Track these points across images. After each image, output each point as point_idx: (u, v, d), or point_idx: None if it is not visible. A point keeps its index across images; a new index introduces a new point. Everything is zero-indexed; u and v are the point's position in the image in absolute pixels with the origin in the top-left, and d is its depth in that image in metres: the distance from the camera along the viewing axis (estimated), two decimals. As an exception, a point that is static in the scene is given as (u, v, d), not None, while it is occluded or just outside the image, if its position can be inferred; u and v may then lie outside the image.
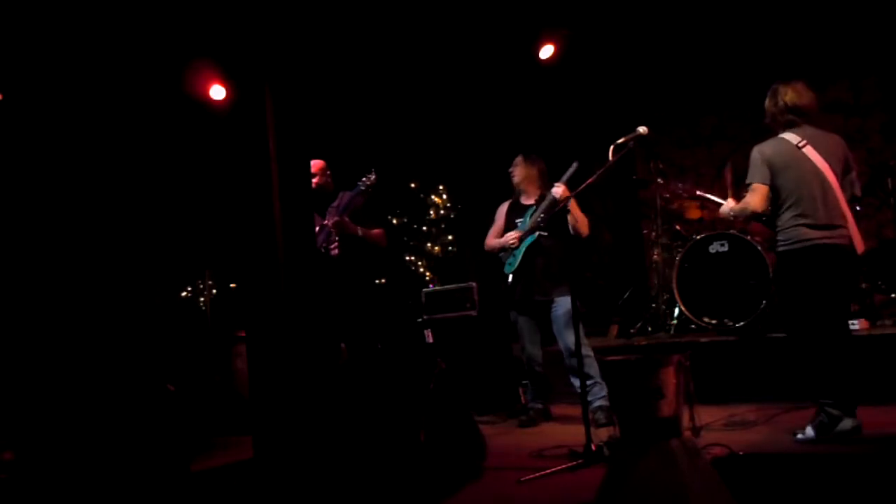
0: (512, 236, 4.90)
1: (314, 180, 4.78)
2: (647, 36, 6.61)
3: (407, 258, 8.18)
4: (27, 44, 4.98)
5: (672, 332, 6.00)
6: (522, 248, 4.84)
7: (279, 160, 3.45)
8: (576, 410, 4.23)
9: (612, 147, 3.87)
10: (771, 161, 3.72)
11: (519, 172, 5.03)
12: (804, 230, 3.66)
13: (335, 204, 4.89)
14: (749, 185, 3.78)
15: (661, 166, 6.42)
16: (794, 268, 3.72)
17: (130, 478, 3.43)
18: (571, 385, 4.69)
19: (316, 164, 4.85)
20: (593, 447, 3.55)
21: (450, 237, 8.21)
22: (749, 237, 5.52)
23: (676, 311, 5.95)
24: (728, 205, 4.06)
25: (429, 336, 5.73)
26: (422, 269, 8.11)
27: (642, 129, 3.89)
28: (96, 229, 5.85)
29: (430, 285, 7.10)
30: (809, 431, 3.64)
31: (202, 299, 7.04)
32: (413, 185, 8.27)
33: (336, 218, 4.76)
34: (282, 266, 3.39)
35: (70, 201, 5.71)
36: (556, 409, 5.03)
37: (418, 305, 6.01)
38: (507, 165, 5.14)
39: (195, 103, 5.95)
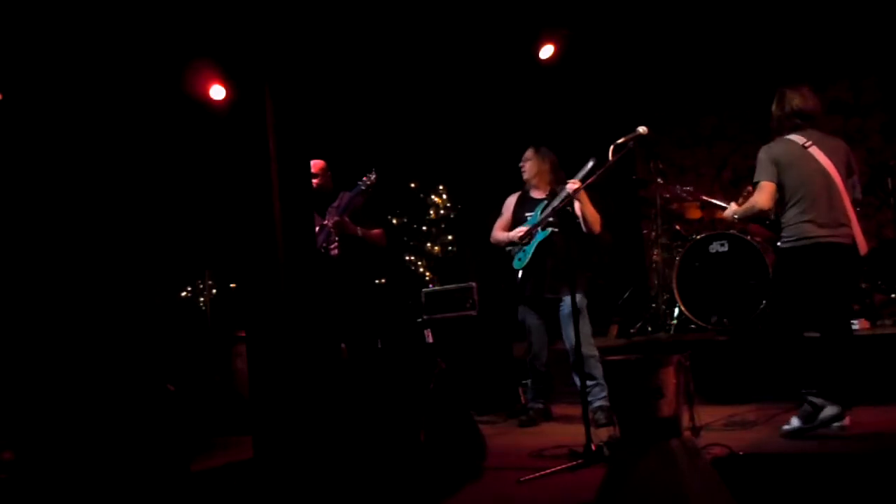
0: (520, 231, 4.84)
1: (314, 180, 4.78)
2: (647, 36, 6.61)
3: (407, 258, 8.18)
4: (27, 44, 4.98)
5: (672, 332, 6.00)
6: (534, 245, 4.76)
7: (279, 160, 3.45)
8: (576, 410, 4.23)
9: (612, 147, 3.87)
10: (777, 160, 3.78)
11: (530, 168, 4.92)
12: (808, 227, 3.71)
13: (335, 204, 4.89)
14: (756, 183, 3.82)
15: (661, 166, 6.41)
16: (796, 264, 3.75)
17: (130, 478, 3.43)
18: (573, 384, 4.68)
19: (316, 164, 4.85)
20: (593, 447, 3.54)
21: (450, 237, 8.21)
22: (749, 237, 5.52)
23: (676, 311, 5.95)
24: (732, 208, 4.12)
25: (429, 336, 5.73)
26: (422, 269, 8.11)
27: (642, 129, 3.89)
28: (96, 229, 5.85)
29: (430, 285, 7.10)
30: (795, 422, 3.70)
31: (202, 299, 7.04)
32: (413, 185, 8.27)
33: (336, 218, 4.76)
34: (282, 266, 3.39)
35: (70, 201, 5.71)
36: (557, 409, 5.03)
37: (418, 305, 6.01)
38: (506, 165, 5.13)
39: (195, 103, 5.96)
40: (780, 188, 3.78)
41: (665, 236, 6.41)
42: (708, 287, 5.65)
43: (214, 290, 6.72)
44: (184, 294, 7.65)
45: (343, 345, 4.77)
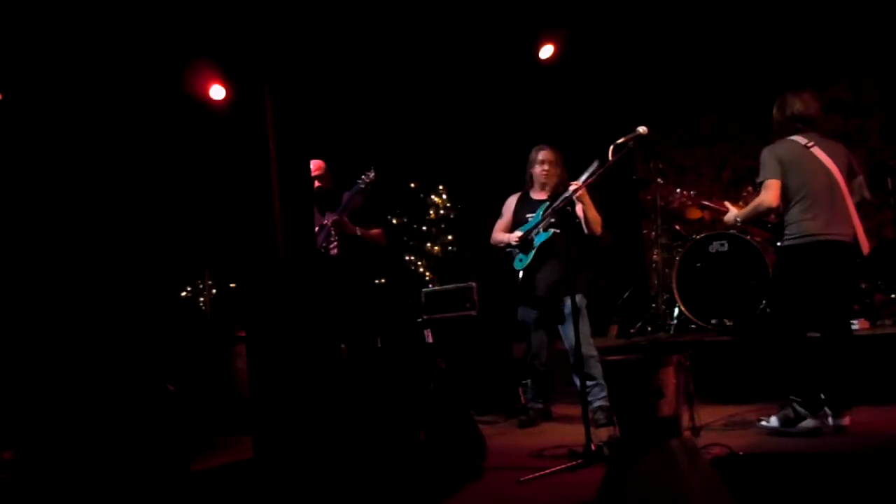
0: (517, 235, 4.83)
1: (314, 181, 4.77)
2: (647, 36, 6.61)
3: (407, 258, 8.18)
4: (27, 44, 4.98)
5: (672, 332, 6.00)
6: (536, 246, 4.76)
7: (279, 160, 3.44)
8: (576, 410, 4.23)
9: (612, 147, 3.87)
10: (781, 159, 3.81)
11: (553, 171, 4.81)
12: (810, 225, 3.74)
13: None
14: (761, 182, 3.84)
15: (661, 166, 6.42)
16: (797, 262, 3.77)
17: (130, 478, 3.43)
18: (573, 384, 4.68)
19: (316, 164, 4.85)
20: (593, 447, 3.54)
21: (450, 237, 8.21)
22: (749, 237, 5.52)
23: (676, 311, 5.95)
24: (733, 212, 4.13)
25: (429, 336, 5.73)
26: (422, 269, 8.11)
27: (642, 129, 3.90)
28: (96, 229, 5.85)
29: (430, 285, 7.10)
30: (774, 421, 3.80)
31: (202, 299, 7.04)
32: (413, 185, 8.27)
33: (335, 217, 4.75)
34: (282, 266, 3.39)
35: (70, 201, 5.71)
36: (556, 409, 5.03)
37: (418, 305, 6.01)
38: (506, 165, 5.11)
39: (195, 103, 5.96)
40: (784, 188, 3.80)
41: (665, 236, 6.41)
42: (708, 287, 5.65)
43: (214, 290, 6.72)
44: (184, 294, 7.65)
45: (343, 345, 4.76)
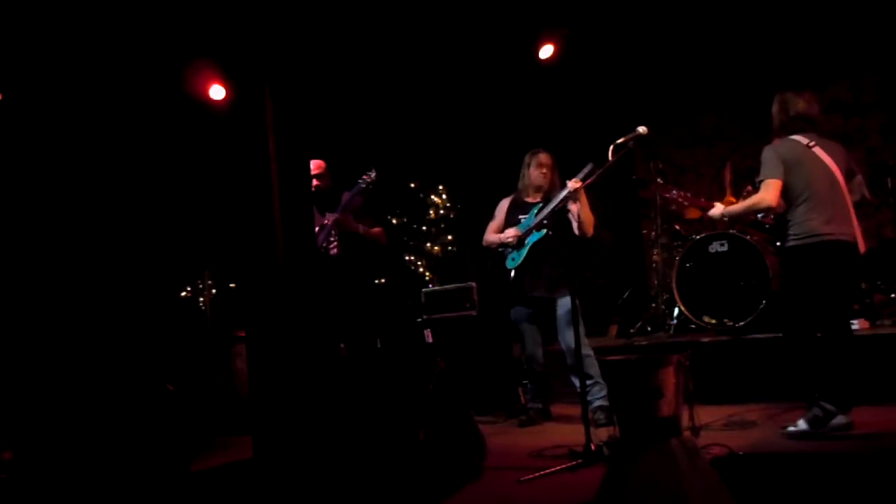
0: (511, 233, 4.86)
1: (314, 180, 4.77)
2: (647, 36, 6.61)
3: (407, 258, 8.18)
4: (27, 44, 4.98)
5: (672, 332, 6.00)
6: (528, 245, 4.79)
7: (279, 160, 3.45)
8: (576, 410, 4.23)
9: (611, 147, 3.87)
10: (784, 158, 3.79)
11: (550, 175, 4.87)
12: (816, 225, 3.71)
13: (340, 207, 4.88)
14: (762, 181, 3.81)
15: (660, 166, 6.42)
16: (806, 262, 3.74)
17: (130, 478, 3.43)
18: (572, 384, 4.68)
19: (316, 164, 4.85)
20: (593, 447, 3.55)
21: (450, 237, 8.22)
22: (748, 237, 5.52)
23: (676, 311, 5.95)
24: (720, 208, 4.10)
25: (429, 336, 5.73)
26: (422, 269, 8.11)
27: (642, 129, 3.90)
28: (96, 229, 5.85)
29: (430, 285, 7.10)
30: (802, 424, 3.68)
31: (202, 299, 7.04)
32: (413, 185, 8.27)
33: (337, 215, 4.75)
34: (282, 266, 3.39)
35: (70, 201, 5.71)
36: (556, 409, 5.03)
37: (418, 305, 6.01)
38: (506, 165, 5.11)
39: (195, 103, 5.96)
40: (786, 187, 3.78)
41: (665, 236, 6.41)
42: (708, 287, 5.65)
43: (214, 290, 6.72)
44: (184, 294, 7.65)
45: (343, 345, 4.76)
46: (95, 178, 5.94)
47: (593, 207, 4.67)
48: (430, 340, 5.71)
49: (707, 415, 4.12)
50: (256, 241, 3.44)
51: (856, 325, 4.96)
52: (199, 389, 5.36)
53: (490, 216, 5.17)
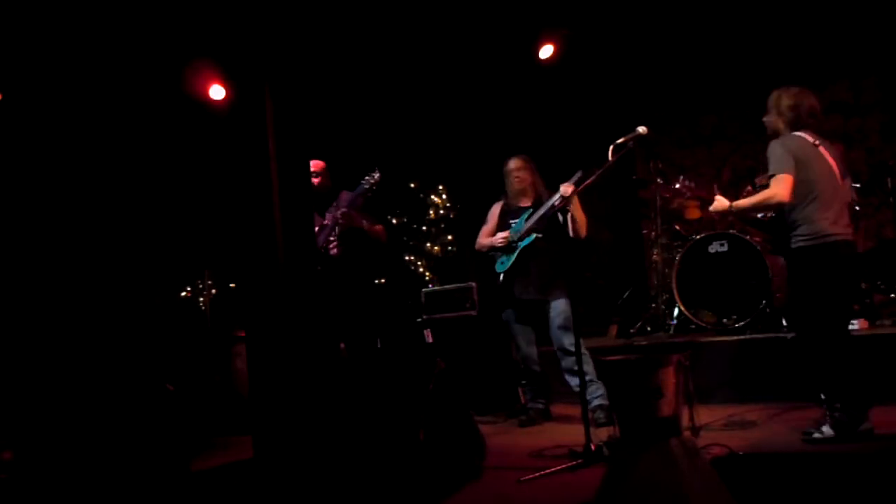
0: (501, 237, 4.90)
1: (314, 180, 4.78)
2: (647, 36, 6.61)
3: (407, 258, 8.17)
4: (27, 44, 4.98)
5: (671, 332, 6.00)
6: (518, 249, 4.83)
7: (279, 160, 3.45)
8: (575, 410, 4.23)
9: (611, 147, 3.87)
10: (795, 154, 3.69)
11: (526, 177, 4.96)
12: (826, 225, 3.65)
13: (334, 204, 4.89)
14: (772, 176, 3.67)
15: (660, 166, 6.41)
16: (818, 263, 3.66)
17: (130, 478, 3.43)
18: (568, 385, 4.70)
19: (316, 165, 4.85)
20: (593, 447, 3.55)
21: (450, 237, 8.21)
22: (749, 237, 5.52)
23: (676, 311, 5.95)
24: (722, 202, 3.94)
25: (429, 336, 5.73)
26: (422, 269, 8.11)
27: (642, 129, 3.89)
28: (96, 229, 5.85)
29: (430, 285, 7.10)
30: (827, 430, 3.56)
31: (202, 299, 7.04)
32: (413, 185, 8.27)
33: (344, 209, 4.75)
34: (282, 266, 3.39)
35: (70, 201, 5.71)
36: (556, 409, 5.03)
37: (418, 305, 6.01)
38: (505, 165, 5.11)
39: (195, 103, 5.95)
40: (794, 185, 3.65)
41: (665, 236, 6.41)
42: (708, 287, 5.65)
43: (214, 290, 6.72)
44: (184, 294, 7.65)
45: (343, 344, 4.77)
46: (95, 179, 5.94)
47: (593, 207, 4.69)
48: (430, 340, 5.71)
49: (707, 415, 4.12)
50: (256, 241, 3.45)
51: (856, 325, 4.96)
52: (199, 389, 5.36)
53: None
